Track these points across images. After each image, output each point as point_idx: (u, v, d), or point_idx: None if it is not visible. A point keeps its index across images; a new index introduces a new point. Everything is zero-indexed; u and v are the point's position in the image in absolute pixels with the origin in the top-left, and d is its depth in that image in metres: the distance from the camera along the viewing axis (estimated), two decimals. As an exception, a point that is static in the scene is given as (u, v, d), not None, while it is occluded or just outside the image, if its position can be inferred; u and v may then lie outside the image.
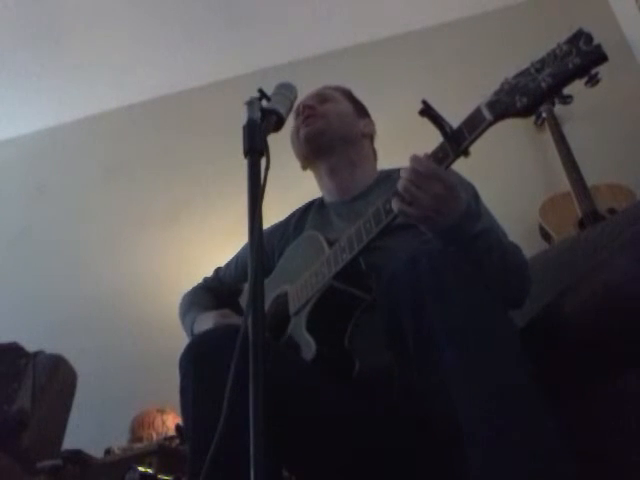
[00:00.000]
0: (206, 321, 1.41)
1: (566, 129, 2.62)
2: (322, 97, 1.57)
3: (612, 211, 2.28)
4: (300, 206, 1.63)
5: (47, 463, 1.82)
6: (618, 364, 1.04)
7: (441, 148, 1.09)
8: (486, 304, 0.99)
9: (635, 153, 2.57)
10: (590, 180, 2.43)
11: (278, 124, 1.03)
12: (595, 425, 1.05)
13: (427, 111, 1.08)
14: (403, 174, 1.07)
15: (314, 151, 1.53)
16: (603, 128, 2.67)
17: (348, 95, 1.63)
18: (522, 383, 0.92)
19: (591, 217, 2.29)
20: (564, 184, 2.48)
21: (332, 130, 1.51)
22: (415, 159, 1.08)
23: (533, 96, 1.00)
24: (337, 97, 1.59)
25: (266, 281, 1.45)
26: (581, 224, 2.31)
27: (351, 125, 1.55)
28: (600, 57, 0.94)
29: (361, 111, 1.62)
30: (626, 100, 2.65)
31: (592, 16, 2.86)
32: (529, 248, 2.00)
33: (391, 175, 1.51)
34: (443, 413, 0.94)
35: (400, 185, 1.07)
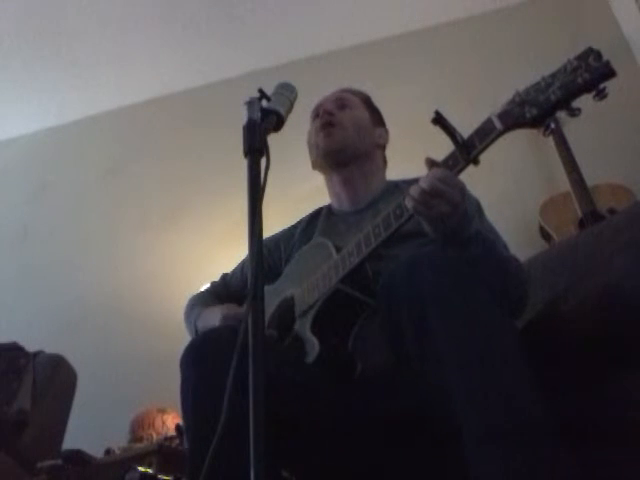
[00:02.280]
0: (212, 315, 1.41)
1: (566, 129, 2.62)
2: (341, 102, 1.58)
3: (612, 211, 2.28)
4: (304, 207, 1.64)
5: (47, 463, 1.82)
6: (618, 364, 1.04)
7: (452, 156, 1.12)
8: (486, 306, 0.99)
9: (635, 153, 2.57)
10: (590, 180, 2.43)
11: (278, 124, 1.03)
12: (595, 425, 1.05)
13: (439, 120, 1.11)
14: (423, 184, 1.08)
15: (331, 164, 1.54)
16: (603, 128, 2.67)
17: (367, 102, 1.63)
18: (522, 384, 0.92)
19: (591, 217, 2.29)
20: (564, 184, 2.48)
21: (350, 145, 1.51)
22: (434, 169, 1.10)
23: (542, 108, 1.04)
24: (356, 103, 1.59)
25: (273, 286, 1.46)
26: (581, 224, 2.31)
27: (367, 136, 1.56)
28: (608, 73, 0.98)
29: (377, 120, 1.62)
30: (626, 100, 2.65)
31: (592, 16, 2.87)
32: (529, 248, 2.01)
33: (399, 185, 1.52)
34: (443, 414, 0.94)
35: (416, 193, 1.08)
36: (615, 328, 1.03)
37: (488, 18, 3.09)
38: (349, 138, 1.52)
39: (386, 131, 1.63)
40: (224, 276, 1.67)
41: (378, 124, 1.62)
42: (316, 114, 1.57)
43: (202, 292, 1.66)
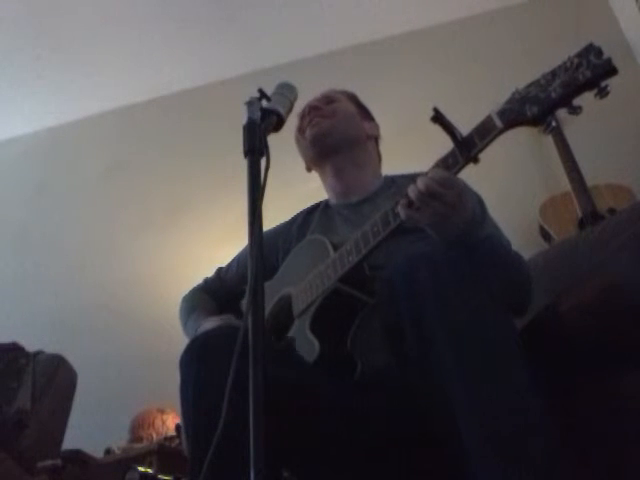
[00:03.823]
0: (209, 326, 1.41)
1: (567, 129, 2.62)
2: (328, 99, 1.58)
3: (612, 211, 2.29)
4: (304, 208, 1.64)
5: (47, 463, 1.82)
6: (618, 364, 1.04)
7: (451, 154, 1.11)
8: (485, 304, 0.99)
9: (635, 153, 2.58)
10: (590, 180, 2.43)
11: (278, 124, 1.03)
12: (594, 425, 1.05)
13: (438, 118, 1.10)
14: (420, 184, 1.07)
15: (320, 152, 1.53)
16: (603, 128, 2.67)
17: (353, 98, 1.64)
18: (521, 383, 0.92)
19: (591, 217, 2.29)
20: (564, 184, 2.48)
21: (338, 130, 1.52)
22: (432, 171, 1.10)
23: (543, 106, 1.02)
24: (342, 99, 1.60)
25: (269, 283, 1.46)
26: (581, 224, 2.31)
27: (356, 126, 1.56)
28: (610, 70, 0.97)
29: (366, 114, 1.63)
30: (626, 100, 2.65)
31: (592, 16, 2.87)
32: (529, 248, 2.01)
33: (396, 180, 1.52)
34: (442, 413, 0.94)
35: (413, 193, 1.08)
36: (615, 328, 1.03)
37: (488, 18, 3.09)
38: (337, 123, 1.52)
39: (376, 125, 1.63)
40: (218, 271, 1.67)
41: (367, 118, 1.62)
42: (302, 115, 1.57)
43: (195, 291, 1.65)
